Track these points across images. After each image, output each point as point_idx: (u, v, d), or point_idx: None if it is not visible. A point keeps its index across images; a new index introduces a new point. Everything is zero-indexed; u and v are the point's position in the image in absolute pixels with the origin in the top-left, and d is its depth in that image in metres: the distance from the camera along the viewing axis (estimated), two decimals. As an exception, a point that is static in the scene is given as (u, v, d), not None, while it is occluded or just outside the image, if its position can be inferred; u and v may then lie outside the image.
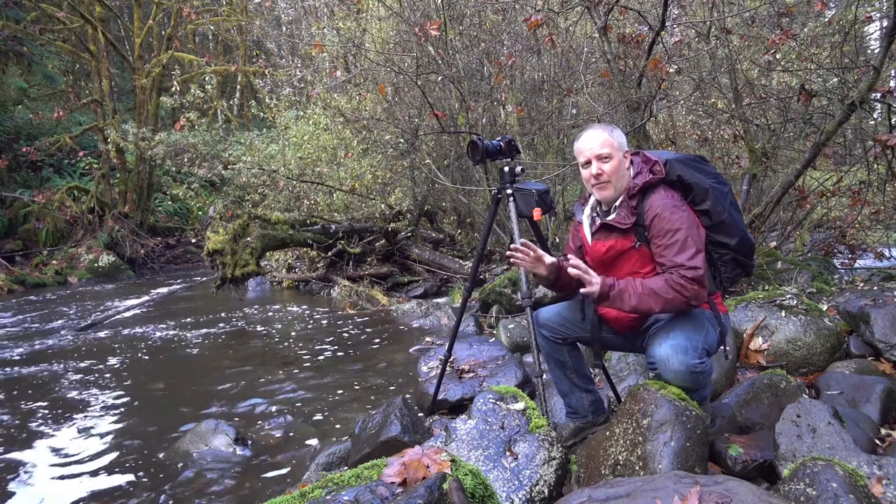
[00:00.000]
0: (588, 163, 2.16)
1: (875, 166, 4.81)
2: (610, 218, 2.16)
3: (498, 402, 2.26)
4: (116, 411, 3.96)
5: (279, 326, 6.51)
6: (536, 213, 2.53)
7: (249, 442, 3.24)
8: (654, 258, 2.08)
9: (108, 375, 4.82)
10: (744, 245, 2.18)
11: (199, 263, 13.23)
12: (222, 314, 7.29)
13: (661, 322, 2.12)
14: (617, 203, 2.16)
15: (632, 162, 2.19)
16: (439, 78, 6.84)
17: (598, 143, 2.14)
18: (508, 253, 2.27)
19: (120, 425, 3.70)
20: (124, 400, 4.20)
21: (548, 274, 2.24)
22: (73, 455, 3.28)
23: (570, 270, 2.07)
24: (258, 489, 2.77)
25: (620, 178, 2.14)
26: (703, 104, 6.24)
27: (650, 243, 2.08)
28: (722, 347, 2.19)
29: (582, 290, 2.07)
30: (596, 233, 2.23)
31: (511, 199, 2.60)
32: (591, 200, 2.29)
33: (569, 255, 2.20)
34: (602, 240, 2.20)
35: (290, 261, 10.27)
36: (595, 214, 2.27)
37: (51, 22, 13.73)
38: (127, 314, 7.58)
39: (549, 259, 2.22)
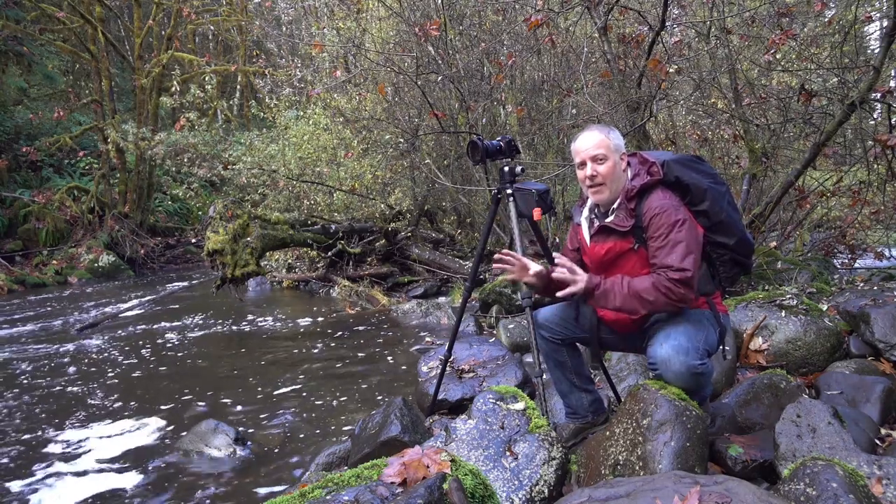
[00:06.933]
0: (583, 164, 2.16)
1: (875, 166, 4.80)
2: (608, 220, 2.16)
3: (498, 402, 2.26)
4: (116, 412, 3.97)
5: (279, 326, 6.51)
6: (536, 213, 2.52)
7: (249, 442, 3.24)
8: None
9: (107, 376, 4.82)
10: (743, 245, 2.18)
11: (199, 263, 13.22)
12: (222, 314, 7.29)
13: (661, 322, 2.11)
14: (615, 205, 2.15)
15: (629, 164, 2.18)
16: (439, 78, 6.83)
17: (593, 143, 2.13)
18: (494, 266, 2.29)
19: (119, 426, 3.70)
20: (124, 400, 4.20)
21: (537, 282, 2.26)
22: (73, 455, 3.28)
23: (555, 274, 2.09)
24: (258, 489, 2.77)
25: (616, 181, 2.13)
26: (703, 104, 6.22)
27: (647, 244, 2.07)
28: (721, 347, 2.18)
29: (563, 292, 2.09)
30: (595, 235, 2.22)
31: (511, 199, 2.60)
32: (590, 202, 2.28)
33: (555, 256, 2.20)
34: (601, 242, 2.19)
35: (290, 261, 10.26)
36: (593, 216, 2.27)
37: (51, 22, 13.73)
38: (127, 314, 7.58)
39: (534, 267, 2.24)
